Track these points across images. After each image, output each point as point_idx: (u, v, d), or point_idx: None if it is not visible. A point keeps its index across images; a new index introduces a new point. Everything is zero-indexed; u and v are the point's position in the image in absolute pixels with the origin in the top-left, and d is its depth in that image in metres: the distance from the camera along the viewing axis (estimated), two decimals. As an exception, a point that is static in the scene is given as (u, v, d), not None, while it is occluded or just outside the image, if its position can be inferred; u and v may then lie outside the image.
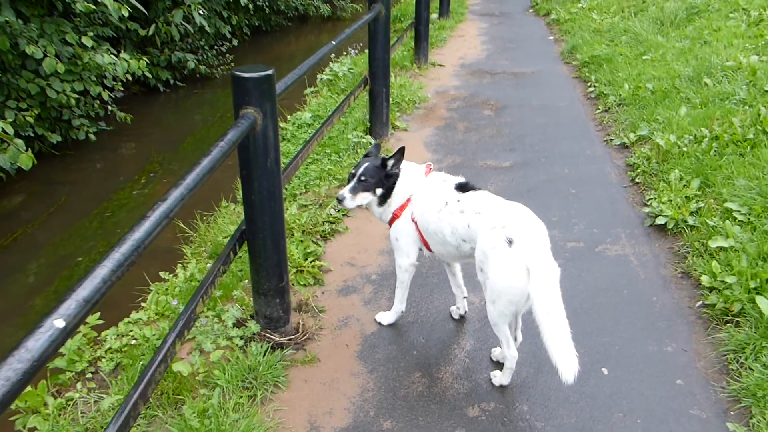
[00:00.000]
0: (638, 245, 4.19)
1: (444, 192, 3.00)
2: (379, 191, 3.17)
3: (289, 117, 6.60)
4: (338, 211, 4.68)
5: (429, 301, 3.70)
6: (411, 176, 3.18)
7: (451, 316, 3.57)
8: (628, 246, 4.19)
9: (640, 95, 6.44)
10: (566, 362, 2.36)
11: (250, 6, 11.72)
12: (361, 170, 3.16)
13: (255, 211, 3.04)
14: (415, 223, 3.12)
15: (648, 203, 4.61)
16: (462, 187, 2.99)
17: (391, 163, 3.15)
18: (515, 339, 3.04)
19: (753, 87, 5.65)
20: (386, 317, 3.53)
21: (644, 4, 10.12)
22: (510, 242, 2.54)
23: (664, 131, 5.47)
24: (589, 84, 7.57)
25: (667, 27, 8.41)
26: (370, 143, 5.78)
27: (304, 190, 5.00)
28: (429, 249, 3.17)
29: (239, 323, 3.41)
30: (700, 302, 3.55)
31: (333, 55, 8.02)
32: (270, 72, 2.81)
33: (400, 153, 3.16)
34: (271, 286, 3.21)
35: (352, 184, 3.18)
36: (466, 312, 3.56)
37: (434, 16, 11.71)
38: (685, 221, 4.18)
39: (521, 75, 8.38)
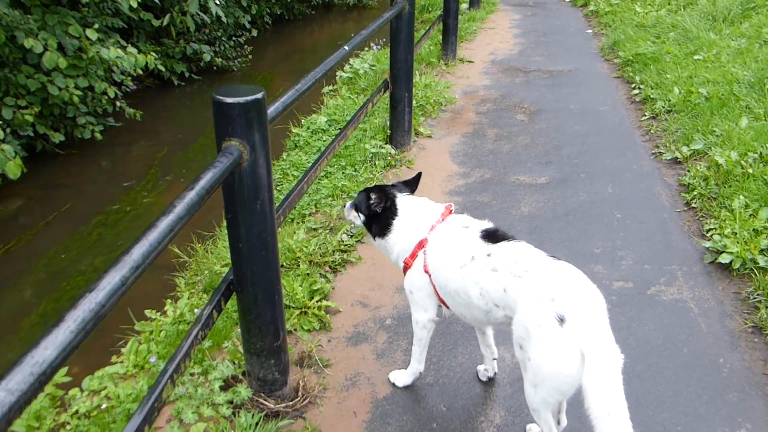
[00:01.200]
0: (698, 288, 3.59)
1: (468, 242, 2.43)
2: (361, 216, 2.86)
3: (303, 120, 6.07)
4: (351, 236, 4.15)
5: (452, 356, 3.15)
6: (418, 217, 2.67)
7: (478, 377, 3.03)
8: (685, 288, 3.60)
9: (693, 101, 5.77)
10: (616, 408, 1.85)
11: (268, -5, 11.15)
12: (362, 189, 2.90)
13: (243, 261, 2.52)
14: (429, 275, 2.57)
15: (708, 235, 4.00)
16: (491, 236, 2.41)
17: (373, 197, 2.75)
18: (558, 423, 2.49)
19: (826, 96, 4.98)
20: (401, 378, 3.00)
21: (692, -5, 9.36)
22: (561, 320, 1.99)
23: (722, 146, 4.83)
24: (633, 85, 6.90)
25: (720, 23, 7.68)
26: (390, 154, 5.22)
27: (314, 210, 4.48)
28: (447, 306, 2.63)
29: (229, 383, 2.91)
30: (778, 369, 2.96)
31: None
32: (259, 96, 2.27)
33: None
34: (264, 345, 2.69)
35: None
36: (495, 374, 3.01)
37: (464, 6, 11.06)
38: (755, 261, 3.57)
39: (557, 73, 7.73)
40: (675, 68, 6.69)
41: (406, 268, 2.70)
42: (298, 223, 4.35)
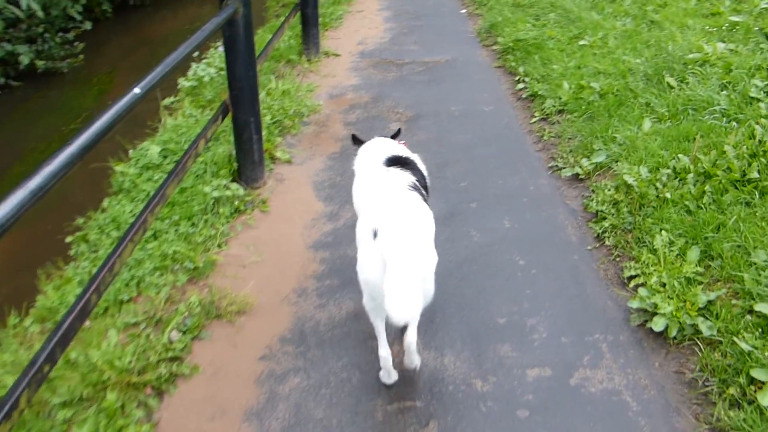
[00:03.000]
0: (630, 368, 2.84)
1: (373, 165, 2.93)
2: None
3: (131, 151, 4.85)
4: (184, 332, 3.10)
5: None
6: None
7: None
8: (616, 370, 2.84)
9: (586, 99, 5.08)
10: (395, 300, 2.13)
11: (102, -19, 9.53)
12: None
13: None
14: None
15: (630, 285, 3.27)
16: (392, 162, 2.88)
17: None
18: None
19: (732, 91, 4.39)
20: None
21: (567, -31, 8.75)
22: (375, 235, 2.39)
23: (628, 158, 4.14)
24: (517, 78, 6.15)
25: (601, 0, 7.08)
26: (238, 196, 4.17)
27: (135, 293, 3.37)
28: None
29: None
30: (753, 501, 2.25)
31: (196, 54, 6.17)
32: None
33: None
34: None
35: None
36: None
37: (327, -14, 9.99)
38: (696, 328, 2.86)
39: (434, 65, 6.87)
40: (560, 56, 6.00)
41: None
42: (112, 315, 3.23)
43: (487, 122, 5.38)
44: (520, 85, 5.96)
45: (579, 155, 4.48)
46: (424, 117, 5.53)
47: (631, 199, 3.77)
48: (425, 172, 3.03)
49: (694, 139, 4.04)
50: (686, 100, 4.47)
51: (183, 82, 6.13)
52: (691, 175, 3.71)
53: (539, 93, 5.54)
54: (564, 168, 4.43)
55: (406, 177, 2.69)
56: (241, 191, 4.21)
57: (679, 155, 3.92)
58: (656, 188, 3.73)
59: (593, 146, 4.45)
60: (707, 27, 5.43)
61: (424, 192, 2.76)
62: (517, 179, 4.44)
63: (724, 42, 5.07)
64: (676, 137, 4.15)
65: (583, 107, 4.99)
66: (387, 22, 8.68)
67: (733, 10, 5.68)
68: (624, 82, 5.04)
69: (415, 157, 3.05)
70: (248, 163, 4.31)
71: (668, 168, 3.87)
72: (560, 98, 5.25)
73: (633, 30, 5.97)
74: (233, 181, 4.31)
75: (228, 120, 4.27)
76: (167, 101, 6.01)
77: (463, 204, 4.17)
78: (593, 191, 4.10)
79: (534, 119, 5.29)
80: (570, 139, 4.76)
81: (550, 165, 4.57)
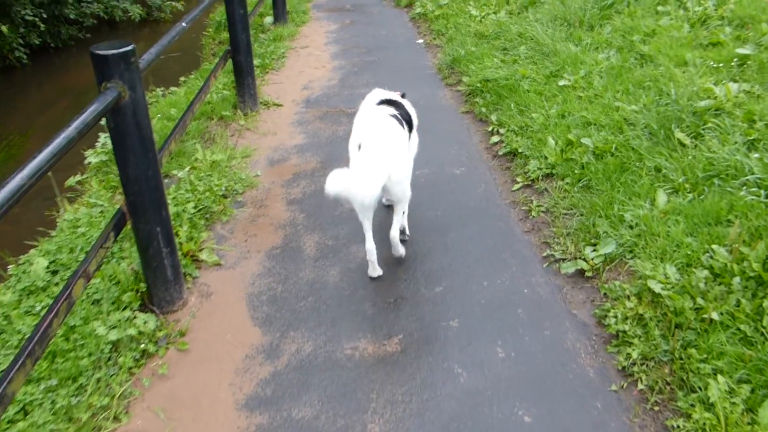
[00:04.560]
0: None
1: (369, 104, 3.73)
2: None
3: (11, 266, 3.78)
4: None
5: None
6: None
7: None
8: None
9: (578, 160, 4.18)
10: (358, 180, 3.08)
11: (4, 29, 8.36)
12: None
13: None
14: None
15: (684, 462, 2.36)
16: (383, 102, 3.67)
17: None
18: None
19: (764, 151, 3.53)
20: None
21: (533, -10, 7.89)
22: (359, 147, 3.24)
23: (646, 249, 3.25)
24: (490, 128, 5.24)
25: (576, 29, 6.22)
26: (147, 334, 3.15)
27: None
28: None
29: None
30: None
31: (105, 121, 5.08)
32: None
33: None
34: None
35: None
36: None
37: (268, 20, 9.03)
38: None
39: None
40: (539, 101, 5.10)
41: None
42: None
43: (461, 191, 4.44)
44: (495, 138, 5.04)
45: (580, 241, 3.57)
46: (383, 187, 4.56)
47: (662, 314, 2.87)
48: (413, 114, 3.85)
49: (728, 221, 3.18)
50: (707, 164, 3.60)
51: (91, 157, 5.06)
52: (737, 280, 2.82)
53: (519, 150, 4.63)
54: (564, 260, 3.52)
55: (390, 110, 3.50)
56: (152, 324, 3.18)
57: (713, 246, 3.04)
58: (693, 300, 2.83)
59: (597, 228, 3.55)
60: (711, 62, 4.58)
61: (404, 123, 3.52)
62: (506, 278, 3.50)
63: (736, 81, 4.23)
64: (704, 218, 3.27)
65: (576, 171, 4.10)
66: (335, 58, 7.72)
67: (736, 40, 4.86)
68: (623, 137, 4.16)
69: (408, 105, 3.86)
70: (159, 283, 3.30)
71: (704, 266, 2.98)
72: (546, 158, 4.35)
73: (620, 66, 5.10)
74: (142, 306, 3.30)
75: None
76: (72, 181, 4.94)
77: (441, 323, 3.21)
78: (606, 295, 3.19)
79: (517, 185, 4.37)
80: (566, 215, 3.86)
81: (544, 254, 3.65)
